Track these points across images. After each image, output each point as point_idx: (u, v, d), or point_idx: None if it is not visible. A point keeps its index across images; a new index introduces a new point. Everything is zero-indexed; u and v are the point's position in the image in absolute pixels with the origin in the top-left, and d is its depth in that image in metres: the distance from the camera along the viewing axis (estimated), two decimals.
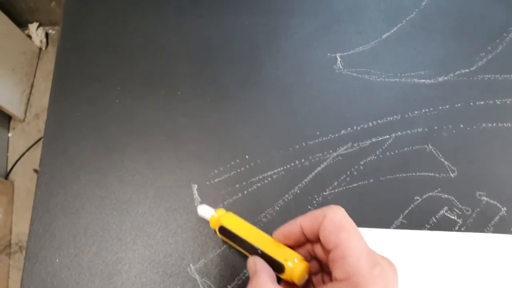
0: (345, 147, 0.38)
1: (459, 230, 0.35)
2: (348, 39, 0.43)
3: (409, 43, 0.43)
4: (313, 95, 0.41)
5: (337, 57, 0.42)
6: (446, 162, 0.38)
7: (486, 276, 0.34)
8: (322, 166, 0.37)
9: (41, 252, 0.35)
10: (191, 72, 0.42)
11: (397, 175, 0.37)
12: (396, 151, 0.38)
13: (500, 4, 0.44)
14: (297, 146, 0.38)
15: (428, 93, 0.40)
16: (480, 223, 0.35)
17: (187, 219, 0.36)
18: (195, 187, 0.37)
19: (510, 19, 0.44)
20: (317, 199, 0.36)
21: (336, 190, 0.37)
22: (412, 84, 0.41)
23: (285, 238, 0.27)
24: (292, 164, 0.38)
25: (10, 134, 1.25)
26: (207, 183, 0.37)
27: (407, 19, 0.44)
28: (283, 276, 0.26)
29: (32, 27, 1.32)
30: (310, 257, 0.28)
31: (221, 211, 0.32)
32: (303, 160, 0.38)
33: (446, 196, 0.36)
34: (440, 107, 0.40)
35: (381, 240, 0.35)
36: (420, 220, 0.36)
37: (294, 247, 0.27)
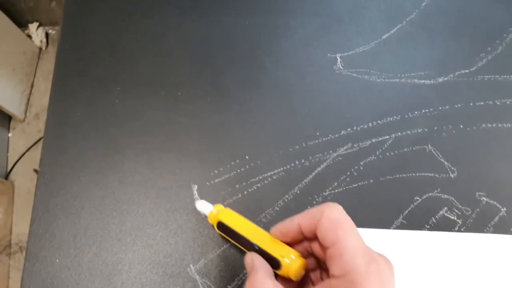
0: (345, 147, 0.38)
1: (459, 230, 0.35)
2: (348, 40, 0.43)
3: (409, 43, 0.43)
4: (313, 96, 0.41)
5: (337, 57, 0.42)
6: (446, 163, 0.38)
7: (486, 277, 0.34)
8: (322, 166, 0.37)
9: (41, 252, 0.35)
10: (191, 73, 0.42)
11: (397, 176, 0.37)
12: (396, 152, 0.38)
13: (500, 4, 0.45)
14: (297, 147, 0.38)
15: (428, 93, 0.40)
16: (480, 223, 0.36)
17: (187, 220, 0.36)
18: (195, 187, 0.37)
19: (510, 19, 0.44)
20: (317, 199, 0.36)
21: (336, 191, 0.37)
22: (412, 85, 0.41)
23: (283, 236, 0.27)
24: (292, 164, 0.38)
25: (10, 134, 1.25)
26: (207, 183, 0.37)
27: (407, 19, 0.44)
28: (279, 272, 0.27)
29: (32, 27, 1.32)
30: (308, 254, 0.28)
31: (219, 206, 0.32)
32: (303, 161, 0.38)
33: (446, 196, 0.36)
34: (440, 108, 0.40)
35: (381, 241, 0.35)
36: (420, 220, 0.36)
37: (291, 244, 0.28)
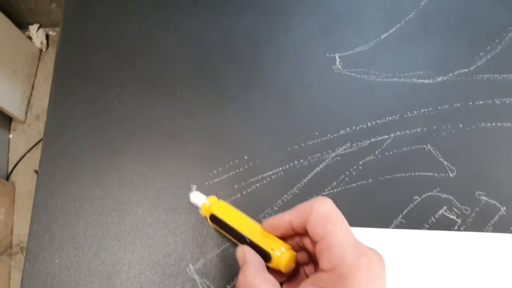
0: (344, 147, 0.38)
1: (458, 229, 0.35)
2: (347, 39, 0.43)
3: (408, 43, 0.43)
4: (312, 96, 0.41)
5: (336, 57, 0.42)
6: (445, 162, 0.38)
7: (485, 276, 0.34)
8: (321, 166, 0.38)
9: (41, 252, 0.35)
10: (190, 72, 0.42)
11: (396, 175, 0.37)
12: (395, 151, 0.38)
13: (499, 4, 0.44)
14: (296, 146, 0.38)
15: (427, 93, 0.40)
16: (479, 222, 0.35)
17: (186, 220, 0.36)
18: (194, 187, 0.37)
19: (509, 18, 0.44)
20: None
21: (335, 190, 0.37)
22: (411, 84, 0.41)
23: (273, 230, 0.27)
24: (291, 164, 0.38)
25: (11, 136, 1.26)
26: (206, 183, 0.37)
27: (406, 19, 0.44)
28: (270, 265, 0.27)
29: (33, 28, 1.33)
30: (300, 248, 0.28)
31: (213, 198, 0.32)
32: (302, 160, 0.38)
33: (445, 195, 0.36)
34: (439, 107, 0.40)
35: (380, 240, 0.35)
36: (419, 219, 0.36)
37: (283, 238, 0.28)
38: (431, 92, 0.40)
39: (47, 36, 1.36)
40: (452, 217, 0.36)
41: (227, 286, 0.34)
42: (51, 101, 0.41)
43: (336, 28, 0.44)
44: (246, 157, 0.38)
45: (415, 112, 0.40)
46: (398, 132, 0.39)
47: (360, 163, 0.38)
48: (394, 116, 0.39)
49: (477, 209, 0.36)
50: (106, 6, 0.45)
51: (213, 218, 0.31)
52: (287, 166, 0.38)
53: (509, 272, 0.34)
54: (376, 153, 0.38)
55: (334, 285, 0.22)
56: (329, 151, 0.38)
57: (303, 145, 0.38)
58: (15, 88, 1.20)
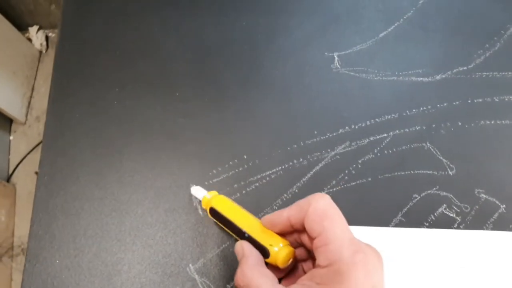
0: (343, 146, 0.38)
1: (458, 227, 0.35)
2: (345, 38, 0.43)
3: (406, 41, 0.43)
4: (311, 95, 0.41)
5: (335, 56, 0.42)
6: (444, 160, 0.38)
7: (485, 274, 0.34)
8: (320, 165, 0.38)
9: (41, 253, 0.35)
10: (189, 72, 0.42)
11: (395, 173, 0.37)
12: (394, 150, 0.38)
13: (497, 2, 0.44)
14: (295, 146, 0.38)
15: (426, 91, 0.40)
16: (479, 220, 0.35)
17: (186, 220, 0.36)
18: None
19: (508, 16, 0.44)
20: None
21: (334, 189, 0.37)
22: (410, 83, 0.41)
23: (272, 226, 0.27)
24: (291, 163, 0.38)
25: (11, 137, 1.26)
26: (206, 183, 0.37)
27: (405, 17, 0.44)
28: (268, 260, 0.27)
29: (32, 30, 1.33)
30: (298, 245, 0.28)
31: (213, 192, 0.33)
32: (301, 160, 0.38)
33: (444, 193, 0.36)
34: (438, 105, 0.40)
35: (380, 238, 0.35)
36: (418, 218, 0.36)
37: (281, 234, 0.28)
38: (430, 91, 0.40)
39: (46, 38, 1.36)
40: (451, 215, 0.36)
41: (227, 285, 0.34)
42: (51, 102, 0.41)
43: (334, 27, 0.44)
44: (245, 156, 0.38)
45: (414, 110, 0.40)
46: (397, 131, 0.39)
47: (360, 161, 0.38)
48: (393, 115, 0.39)
49: (477, 207, 0.36)
50: (105, 7, 0.45)
51: (213, 212, 0.31)
52: (287, 166, 0.38)
53: (509, 270, 0.34)
54: (375, 151, 0.38)
55: (331, 281, 0.22)
56: (328, 150, 0.38)
57: (302, 144, 0.38)
58: (15, 90, 1.20)
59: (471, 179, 0.37)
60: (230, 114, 0.40)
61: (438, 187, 0.37)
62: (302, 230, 0.26)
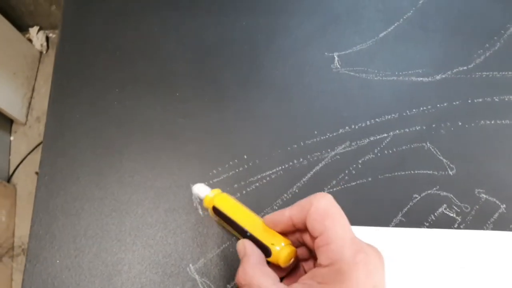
0: (343, 146, 0.38)
1: (458, 227, 0.35)
2: (345, 38, 0.43)
3: (406, 41, 0.43)
4: (311, 95, 0.41)
5: (335, 56, 0.42)
6: (444, 160, 0.38)
7: (485, 274, 0.34)
8: (320, 165, 0.38)
9: (41, 253, 0.35)
10: (189, 73, 0.42)
11: (396, 173, 0.37)
12: (394, 150, 0.38)
13: (497, 1, 0.44)
14: (295, 146, 0.38)
15: (426, 91, 0.40)
16: (479, 220, 0.35)
17: (186, 220, 0.36)
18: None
19: (508, 16, 0.44)
20: None
21: (334, 189, 0.37)
22: (410, 83, 0.41)
23: (274, 226, 0.27)
24: (291, 163, 0.38)
25: (12, 138, 1.26)
26: (206, 183, 0.37)
27: (404, 17, 0.44)
28: (269, 260, 0.27)
29: (33, 30, 1.33)
30: (300, 244, 0.28)
31: (216, 190, 0.33)
32: (301, 160, 0.38)
33: (445, 193, 0.36)
34: (438, 105, 0.40)
35: (380, 239, 0.35)
36: (419, 218, 0.36)
37: (283, 233, 0.28)
38: (430, 90, 0.40)
39: (47, 38, 1.36)
40: (452, 215, 0.36)
41: (228, 285, 0.34)
42: (51, 103, 0.41)
43: (334, 27, 0.44)
44: (245, 156, 0.38)
45: (414, 110, 0.40)
46: (397, 131, 0.39)
47: (360, 161, 0.38)
48: (393, 115, 0.39)
49: (477, 207, 0.36)
50: (105, 7, 0.45)
51: (215, 210, 0.31)
52: (287, 166, 0.38)
53: (509, 270, 0.34)
54: (376, 151, 0.38)
55: (332, 281, 0.22)
56: (329, 150, 0.38)
57: (302, 144, 0.38)
58: (15, 91, 1.20)
59: (471, 179, 0.37)
60: (230, 114, 0.40)
61: (438, 187, 0.37)
62: (304, 229, 0.26)
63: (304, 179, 0.37)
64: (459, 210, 0.36)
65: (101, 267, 0.34)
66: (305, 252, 0.28)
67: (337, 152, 0.38)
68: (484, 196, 0.36)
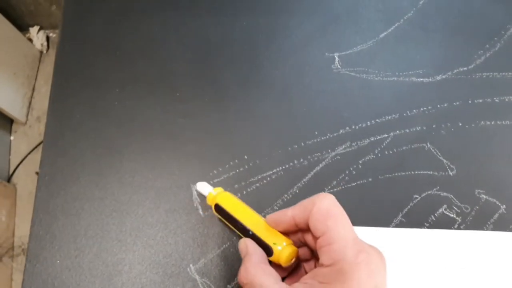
0: (343, 146, 0.38)
1: (458, 228, 0.35)
2: (346, 39, 0.43)
3: (407, 42, 0.43)
4: (312, 95, 0.41)
5: (335, 56, 0.42)
6: (444, 161, 0.38)
7: (485, 274, 0.34)
8: (321, 165, 0.38)
9: (42, 253, 0.35)
10: (190, 73, 0.42)
11: (396, 174, 0.37)
12: (395, 150, 0.38)
13: (497, 2, 0.44)
14: (296, 146, 0.38)
15: (426, 91, 0.40)
16: (479, 221, 0.35)
17: (187, 220, 0.36)
18: (194, 188, 0.37)
19: (508, 16, 0.44)
20: None
21: (335, 190, 0.37)
22: (410, 83, 0.41)
23: (276, 225, 0.27)
24: (291, 164, 0.38)
25: (12, 137, 1.26)
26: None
27: (405, 18, 0.44)
28: (271, 259, 0.27)
29: (33, 30, 1.33)
30: (302, 244, 0.28)
31: (219, 189, 0.33)
32: (302, 160, 0.38)
33: (445, 194, 0.36)
34: (438, 106, 0.40)
35: (380, 239, 0.35)
36: (419, 218, 0.36)
37: (285, 233, 0.28)
38: (430, 91, 0.41)
39: (47, 38, 1.36)
40: (452, 215, 0.36)
41: (228, 286, 0.34)
42: (51, 103, 0.41)
43: (335, 27, 0.44)
44: (246, 157, 0.38)
45: (414, 111, 0.40)
46: (397, 131, 0.39)
47: (360, 162, 0.38)
48: (393, 115, 0.39)
49: (477, 207, 0.36)
50: (105, 7, 0.45)
51: (218, 209, 0.31)
52: (287, 166, 0.38)
53: (509, 270, 0.34)
54: (376, 152, 0.38)
55: (334, 280, 0.22)
56: (329, 151, 0.38)
57: (303, 144, 0.38)
58: (16, 90, 1.20)
59: (471, 179, 0.37)
60: (230, 114, 0.40)
61: (438, 187, 0.37)
62: (306, 229, 0.26)
63: (304, 180, 0.37)
64: (459, 211, 0.36)
65: (102, 267, 0.34)
66: (307, 252, 0.28)
67: (337, 152, 0.38)
68: (484, 196, 0.36)
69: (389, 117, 0.39)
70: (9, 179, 1.20)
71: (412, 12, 0.44)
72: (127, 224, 0.36)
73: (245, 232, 0.29)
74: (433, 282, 0.33)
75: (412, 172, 0.37)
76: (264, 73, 0.42)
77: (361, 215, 0.36)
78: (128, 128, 0.39)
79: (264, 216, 0.29)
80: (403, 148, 0.38)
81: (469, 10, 0.44)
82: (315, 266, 0.28)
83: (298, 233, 0.28)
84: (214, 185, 0.37)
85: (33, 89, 1.29)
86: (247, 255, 0.26)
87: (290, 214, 0.26)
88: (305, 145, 0.38)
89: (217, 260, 0.34)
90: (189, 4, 0.45)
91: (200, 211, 0.36)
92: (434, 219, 0.36)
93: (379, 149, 0.38)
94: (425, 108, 0.40)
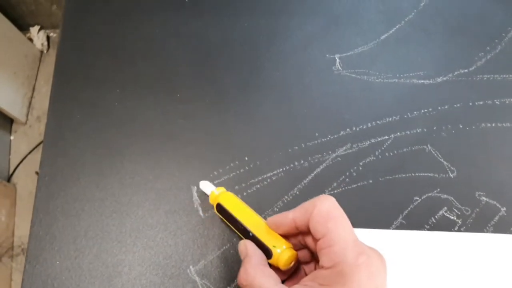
0: (344, 148, 0.38)
1: (459, 230, 0.35)
2: (347, 40, 0.43)
3: (407, 43, 0.43)
4: (312, 96, 0.41)
5: (336, 58, 0.42)
6: (445, 163, 0.38)
7: (485, 277, 0.33)
8: (321, 167, 0.38)
9: (41, 254, 0.35)
10: (190, 74, 0.42)
11: (396, 176, 0.37)
12: (395, 152, 0.38)
13: (498, 4, 0.44)
14: (296, 147, 0.38)
15: (427, 93, 0.40)
16: (479, 223, 0.35)
17: (187, 221, 0.36)
18: (194, 189, 0.37)
19: (509, 19, 0.44)
20: None
21: (335, 191, 0.37)
22: (411, 85, 0.41)
23: (277, 228, 0.27)
24: (291, 165, 0.38)
25: (12, 137, 1.26)
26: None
27: (406, 19, 0.44)
28: (270, 261, 0.27)
29: (34, 30, 1.33)
30: (302, 247, 0.28)
31: (222, 188, 0.33)
32: (302, 161, 0.38)
33: (445, 196, 0.36)
34: (439, 108, 0.40)
35: (381, 241, 0.35)
36: (419, 220, 0.36)
37: (286, 236, 0.28)
38: (431, 93, 0.40)
39: (48, 38, 1.36)
40: (452, 217, 0.36)
41: (228, 287, 0.34)
42: (51, 103, 0.41)
43: (335, 29, 0.44)
44: (246, 158, 0.38)
45: (415, 112, 0.40)
46: (398, 133, 0.39)
47: (360, 164, 0.38)
48: (394, 117, 0.39)
49: (478, 209, 0.36)
50: (106, 8, 0.45)
51: (219, 208, 0.31)
52: (288, 167, 0.38)
53: (509, 272, 0.34)
54: (376, 153, 0.38)
55: (334, 282, 0.22)
56: (330, 152, 0.38)
57: (303, 146, 0.38)
58: (16, 90, 1.20)
59: (472, 181, 0.37)
60: (231, 116, 0.40)
61: (439, 189, 0.37)
62: (306, 232, 0.26)
63: (305, 181, 0.37)
64: (459, 213, 0.36)
65: (101, 268, 0.34)
66: (307, 255, 0.28)
67: (338, 154, 0.38)
68: (485, 199, 0.36)
69: (390, 119, 0.39)
70: (9, 179, 1.20)
71: (413, 13, 0.44)
72: (127, 225, 0.36)
73: (246, 233, 0.29)
74: (433, 284, 0.33)
75: (413, 174, 0.37)
76: (265, 74, 0.42)
77: (362, 217, 0.35)
78: (129, 129, 0.39)
79: (265, 218, 0.29)
80: (403, 150, 0.38)
81: (470, 12, 0.44)
82: (315, 269, 0.28)
83: (299, 235, 0.28)
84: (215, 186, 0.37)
85: (33, 89, 1.29)
86: (246, 257, 0.26)
87: (291, 217, 0.26)
88: (306, 146, 0.38)
89: (217, 261, 0.34)
90: (190, 4, 0.45)
91: (200, 213, 0.36)
92: (434, 221, 0.36)
93: (379, 151, 0.38)
94: (425, 110, 0.40)
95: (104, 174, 0.38)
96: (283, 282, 0.28)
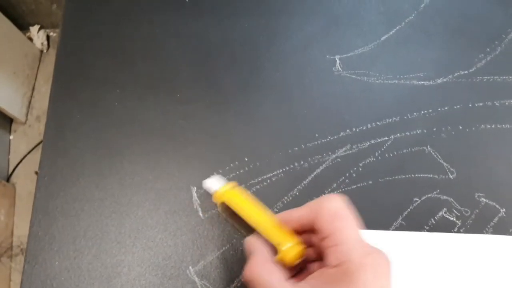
0: (344, 149, 0.38)
1: (458, 231, 0.35)
2: (347, 41, 0.43)
3: (408, 45, 0.43)
4: (312, 97, 0.41)
5: (336, 59, 0.42)
6: (445, 164, 0.38)
7: (485, 278, 0.34)
8: (321, 168, 0.38)
9: (40, 254, 0.35)
10: (190, 74, 0.42)
11: (396, 177, 0.37)
12: (395, 153, 0.38)
13: (498, 5, 0.45)
14: (296, 148, 0.38)
15: (427, 94, 0.40)
16: (479, 224, 0.35)
17: (186, 222, 0.36)
18: (194, 189, 0.37)
19: (509, 20, 0.44)
20: None
21: (335, 192, 0.37)
22: (411, 86, 0.41)
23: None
24: (291, 166, 0.38)
25: (11, 137, 1.26)
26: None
27: (406, 21, 0.44)
28: (277, 258, 0.27)
29: (34, 29, 1.33)
30: (307, 245, 0.28)
31: (226, 186, 0.32)
32: (302, 162, 0.38)
33: (445, 197, 0.36)
34: (439, 109, 0.40)
35: (380, 242, 0.35)
36: (419, 221, 0.36)
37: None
38: (431, 94, 0.41)
39: (47, 37, 1.36)
40: (452, 219, 0.36)
41: None
42: (51, 103, 0.41)
43: (336, 30, 0.44)
44: (246, 159, 0.38)
45: (415, 114, 0.40)
46: (398, 134, 0.39)
47: (360, 165, 0.38)
48: (394, 118, 0.39)
49: (477, 211, 0.36)
50: (106, 8, 0.45)
51: (225, 205, 0.31)
52: (287, 168, 0.38)
53: (509, 274, 0.34)
54: (376, 155, 0.38)
55: (339, 281, 0.22)
56: (329, 153, 0.38)
57: (303, 147, 0.38)
58: (15, 90, 1.20)
59: (471, 183, 0.37)
60: (230, 116, 0.40)
61: (438, 190, 0.37)
62: (311, 230, 0.26)
63: (305, 182, 0.37)
64: (459, 214, 0.36)
65: (101, 269, 0.34)
66: (312, 254, 0.28)
67: (338, 155, 0.38)
68: (484, 200, 0.36)
69: (390, 120, 0.39)
70: (8, 179, 1.20)
71: (413, 15, 0.44)
72: (127, 226, 0.36)
73: (251, 229, 0.29)
74: (433, 285, 0.33)
75: (412, 175, 0.37)
76: (265, 74, 0.42)
77: (361, 217, 0.35)
78: (129, 129, 0.39)
79: None
80: (403, 151, 0.38)
81: (470, 14, 0.44)
82: (320, 267, 0.28)
83: (303, 234, 0.28)
84: None
85: (33, 89, 1.29)
86: (252, 253, 0.26)
87: (296, 215, 0.26)
88: (306, 147, 0.38)
89: (216, 262, 0.34)
90: (190, 4, 0.45)
91: (200, 213, 0.36)
92: (434, 222, 0.36)
93: (379, 152, 0.38)
94: (425, 111, 0.40)
95: (104, 174, 0.38)
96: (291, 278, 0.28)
